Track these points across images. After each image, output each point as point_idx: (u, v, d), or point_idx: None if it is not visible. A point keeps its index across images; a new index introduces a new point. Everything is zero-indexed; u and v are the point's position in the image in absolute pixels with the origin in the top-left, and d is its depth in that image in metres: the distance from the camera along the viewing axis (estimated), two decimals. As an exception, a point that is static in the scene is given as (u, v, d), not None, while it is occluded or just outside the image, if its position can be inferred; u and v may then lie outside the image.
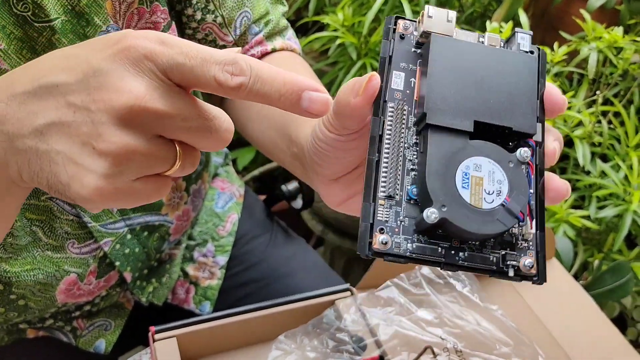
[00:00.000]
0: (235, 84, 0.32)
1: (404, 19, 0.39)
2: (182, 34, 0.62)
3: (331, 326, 0.60)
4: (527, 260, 0.35)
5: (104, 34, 0.39)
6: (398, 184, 0.35)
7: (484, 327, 0.61)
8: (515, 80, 0.37)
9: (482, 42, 0.38)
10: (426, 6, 0.38)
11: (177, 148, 0.34)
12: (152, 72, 0.32)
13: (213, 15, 0.61)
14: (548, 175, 0.37)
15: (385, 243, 0.34)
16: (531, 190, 0.35)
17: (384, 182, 0.35)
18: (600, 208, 0.98)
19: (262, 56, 0.67)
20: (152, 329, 0.58)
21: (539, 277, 0.35)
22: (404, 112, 0.37)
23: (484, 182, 0.34)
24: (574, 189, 1.05)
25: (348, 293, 0.64)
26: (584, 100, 1.05)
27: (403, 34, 0.38)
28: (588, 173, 1.02)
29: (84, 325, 0.69)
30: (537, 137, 0.37)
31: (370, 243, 0.34)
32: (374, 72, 0.36)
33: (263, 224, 0.87)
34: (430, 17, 0.37)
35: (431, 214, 0.32)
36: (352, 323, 0.60)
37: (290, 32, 0.71)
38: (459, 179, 0.34)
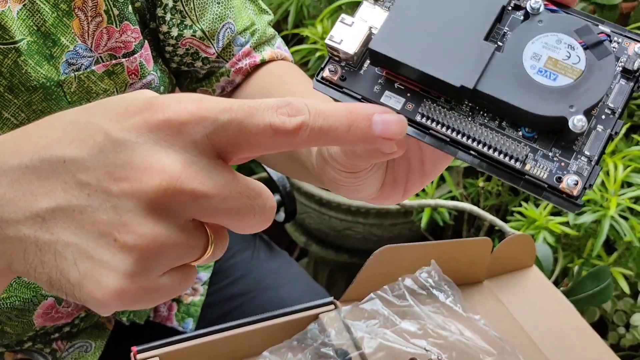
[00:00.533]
0: (295, 125, 0.27)
1: None
2: (160, 52, 0.62)
3: (315, 340, 0.60)
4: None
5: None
6: None
7: (467, 337, 0.61)
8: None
9: None
10: None
11: (209, 233, 0.29)
12: (189, 143, 0.26)
13: (191, 30, 0.60)
14: None
15: None
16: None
17: None
18: (579, 214, 0.99)
19: (252, 68, 0.65)
20: (134, 349, 0.57)
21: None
22: None
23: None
24: (552, 195, 1.07)
25: (332, 306, 0.64)
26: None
27: None
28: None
29: (64, 347, 0.68)
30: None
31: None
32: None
33: (246, 237, 0.86)
34: None
35: None
36: (336, 337, 0.60)
37: (279, 40, 0.69)
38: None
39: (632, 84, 0.32)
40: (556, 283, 0.93)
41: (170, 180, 0.25)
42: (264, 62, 0.66)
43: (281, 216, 0.95)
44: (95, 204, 0.26)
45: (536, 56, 0.32)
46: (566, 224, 0.98)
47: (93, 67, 0.52)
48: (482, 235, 1.14)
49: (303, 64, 1.24)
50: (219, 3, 0.61)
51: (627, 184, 1.02)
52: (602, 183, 0.99)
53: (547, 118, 0.31)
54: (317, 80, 0.36)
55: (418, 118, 0.34)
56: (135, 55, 0.54)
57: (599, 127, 0.31)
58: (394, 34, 0.33)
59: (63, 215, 0.26)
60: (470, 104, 0.33)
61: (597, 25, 0.33)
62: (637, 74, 0.32)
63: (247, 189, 0.28)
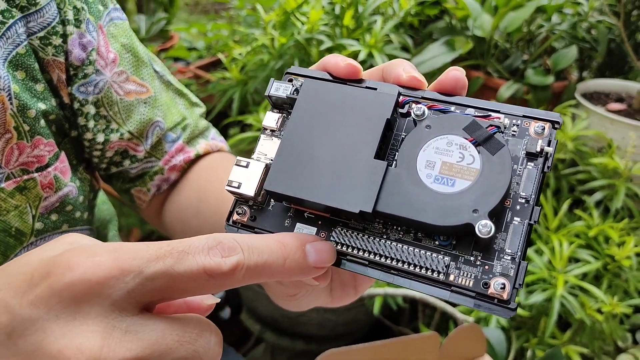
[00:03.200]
0: (230, 266, 0.26)
1: None
2: (81, 159, 0.59)
3: None
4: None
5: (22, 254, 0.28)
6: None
7: None
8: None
9: None
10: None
11: None
12: (108, 306, 0.23)
13: (118, 134, 0.58)
14: None
15: None
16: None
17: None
18: (531, 292, 0.98)
19: (187, 164, 0.63)
20: None
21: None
22: None
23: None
24: (502, 275, 1.06)
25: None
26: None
27: None
28: (514, 258, 1.03)
29: None
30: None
31: None
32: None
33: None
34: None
35: None
36: None
37: (213, 131, 0.68)
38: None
39: (540, 166, 0.31)
40: (512, 368, 0.91)
41: None
42: (199, 156, 0.64)
43: (227, 312, 0.91)
44: None
45: (430, 164, 0.31)
46: (518, 304, 0.96)
47: (3, 184, 0.49)
48: (438, 316, 1.12)
49: (248, 152, 1.24)
50: (145, 103, 0.59)
51: (574, 260, 1.03)
52: (549, 261, 0.99)
53: (454, 227, 0.29)
54: (229, 225, 0.35)
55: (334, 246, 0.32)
56: (49, 169, 0.52)
57: (516, 220, 0.30)
58: (286, 168, 0.32)
59: None
60: (382, 222, 0.32)
61: (499, 110, 0.32)
62: (542, 154, 0.31)
63: (184, 333, 0.25)
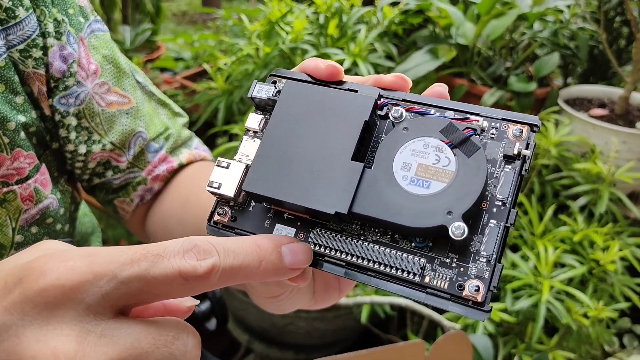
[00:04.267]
0: (205, 269, 0.25)
1: None
2: (62, 171, 0.59)
3: None
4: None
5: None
6: None
7: None
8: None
9: None
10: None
11: None
12: (82, 310, 0.23)
13: (100, 145, 0.58)
14: None
15: None
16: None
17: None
18: (517, 298, 0.99)
19: (170, 174, 0.63)
20: None
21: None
22: None
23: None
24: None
25: None
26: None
27: None
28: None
29: None
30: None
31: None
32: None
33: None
34: None
35: None
36: None
37: (197, 141, 0.68)
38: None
39: (517, 169, 0.31)
40: (500, 374, 0.91)
41: None
42: (182, 166, 0.64)
43: (213, 323, 0.90)
44: None
45: (406, 166, 0.31)
46: (505, 310, 0.97)
47: None
48: (426, 324, 1.12)
49: (234, 161, 1.24)
50: (127, 113, 0.59)
51: (560, 265, 1.03)
52: (535, 267, 0.99)
53: (428, 229, 0.29)
54: (210, 226, 0.35)
55: (311, 247, 0.32)
56: (29, 181, 0.51)
57: (492, 223, 0.30)
58: (265, 169, 0.32)
59: None
60: (359, 223, 0.32)
61: (478, 113, 0.32)
62: (520, 157, 0.31)
63: (160, 336, 0.25)
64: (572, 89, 1.33)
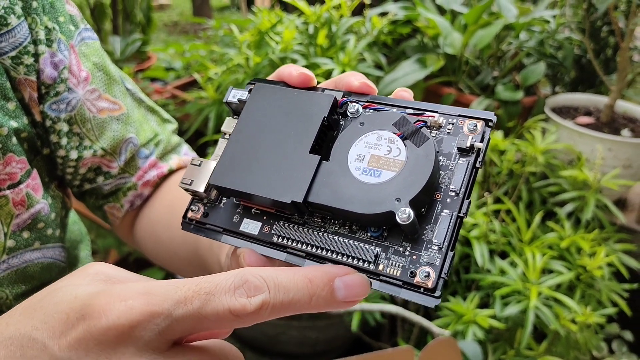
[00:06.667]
0: (255, 306, 0.26)
1: None
2: (53, 176, 0.59)
3: None
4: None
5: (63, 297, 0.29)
6: None
7: None
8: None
9: None
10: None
11: None
12: (141, 346, 0.25)
13: (92, 151, 0.58)
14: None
15: None
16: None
17: None
18: (506, 304, 0.99)
19: (160, 179, 0.63)
20: None
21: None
22: None
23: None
24: (477, 288, 1.07)
25: None
26: (476, 202, 1.10)
27: None
28: (489, 271, 1.05)
29: None
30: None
31: None
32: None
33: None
34: None
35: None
36: None
37: (186, 147, 0.68)
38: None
39: (471, 161, 0.32)
40: (489, 380, 0.92)
41: None
42: (172, 171, 0.65)
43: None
44: None
45: (360, 157, 0.32)
46: (494, 316, 0.97)
47: None
48: (417, 331, 1.12)
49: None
50: (118, 120, 0.60)
51: (548, 271, 1.04)
52: (523, 273, 1.00)
53: (377, 215, 0.30)
54: (184, 222, 0.37)
55: (274, 239, 0.34)
56: (21, 186, 0.52)
57: (445, 212, 0.31)
58: (231, 164, 0.34)
59: None
60: (320, 216, 0.34)
61: (436, 111, 0.34)
62: (474, 150, 0.32)
63: (213, 356, 0.27)
64: (558, 97, 1.35)
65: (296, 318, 1.24)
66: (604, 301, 1.03)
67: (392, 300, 1.09)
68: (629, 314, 1.06)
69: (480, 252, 1.01)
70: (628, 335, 1.22)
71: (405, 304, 1.09)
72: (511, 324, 1.01)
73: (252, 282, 0.27)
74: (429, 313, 1.11)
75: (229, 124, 0.38)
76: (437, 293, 0.29)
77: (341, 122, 0.36)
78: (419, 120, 0.33)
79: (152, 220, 0.64)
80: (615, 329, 1.22)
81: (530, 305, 0.93)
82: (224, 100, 0.38)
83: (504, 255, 1.10)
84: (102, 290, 0.26)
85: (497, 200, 1.14)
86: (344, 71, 1.14)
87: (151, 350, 0.25)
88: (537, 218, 1.07)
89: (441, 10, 1.38)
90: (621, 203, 1.27)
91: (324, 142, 0.35)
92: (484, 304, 1.05)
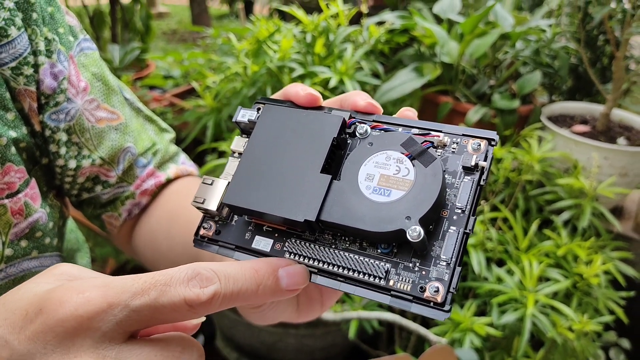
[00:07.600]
0: (208, 296, 0.28)
1: None
2: (51, 186, 0.59)
3: None
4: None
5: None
6: None
7: None
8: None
9: None
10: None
11: None
12: (98, 338, 0.26)
13: (90, 160, 0.59)
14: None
15: None
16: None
17: None
18: (503, 312, 1.00)
19: (158, 188, 0.64)
20: None
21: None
22: None
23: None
24: (474, 296, 1.08)
25: None
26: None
27: None
28: (486, 279, 1.05)
29: None
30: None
31: None
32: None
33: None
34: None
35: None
36: None
37: (183, 156, 0.69)
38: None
39: (476, 179, 0.33)
40: (486, 388, 0.92)
41: None
42: (169, 180, 0.65)
43: (200, 340, 0.90)
44: None
45: (370, 176, 0.34)
46: (491, 324, 0.98)
47: None
48: (415, 339, 1.13)
49: (223, 177, 1.24)
50: (116, 129, 0.60)
51: (545, 279, 1.05)
52: (520, 281, 1.00)
53: (388, 234, 0.31)
54: (197, 239, 0.38)
55: (287, 256, 0.34)
56: (20, 195, 0.52)
57: (452, 229, 0.32)
58: (243, 184, 0.35)
59: None
60: (331, 233, 0.34)
61: (441, 130, 0.35)
62: (478, 168, 0.33)
63: (168, 352, 0.28)
64: (554, 106, 1.36)
65: (294, 326, 1.24)
66: (600, 309, 1.03)
67: (390, 308, 1.09)
68: (626, 322, 1.06)
69: (477, 260, 1.02)
70: (625, 343, 1.22)
71: (402, 312, 1.09)
72: (508, 332, 1.01)
73: (204, 274, 0.28)
74: (426, 321, 1.11)
75: (238, 143, 0.38)
76: (447, 307, 0.31)
77: (349, 142, 0.37)
78: (425, 141, 0.34)
79: (151, 229, 0.64)
80: (613, 336, 1.22)
81: (527, 313, 0.94)
82: (233, 120, 0.38)
83: (500, 263, 1.10)
84: (60, 285, 0.27)
85: (494, 209, 1.15)
86: (341, 80, 1.15)
87: (109, 341, 0.26)
88: (534, 226, 1.08)
89: (438, 20, 1.39)
90: (617, 211, 1.28)
91: (334, 161, 0.36)
92: (481, 312, 1.05)
